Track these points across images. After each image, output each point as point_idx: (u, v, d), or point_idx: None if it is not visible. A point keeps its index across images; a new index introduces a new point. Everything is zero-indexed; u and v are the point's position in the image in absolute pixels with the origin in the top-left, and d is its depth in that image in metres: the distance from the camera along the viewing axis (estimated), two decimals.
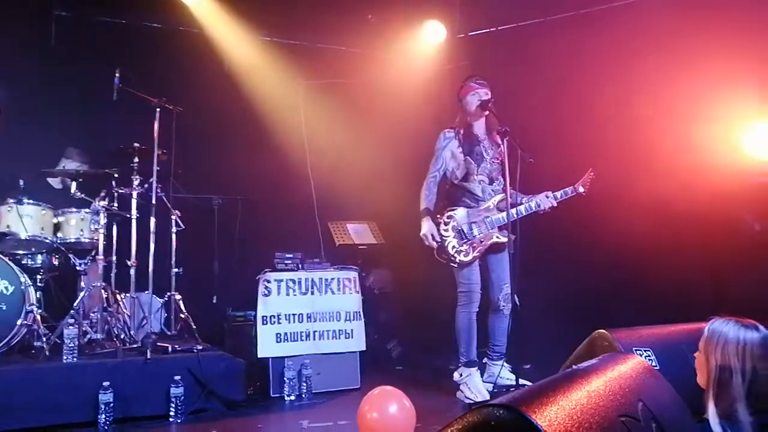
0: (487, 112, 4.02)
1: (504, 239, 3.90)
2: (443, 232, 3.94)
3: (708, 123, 4.45)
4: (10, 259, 3.83)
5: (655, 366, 2.65)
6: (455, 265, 3.96)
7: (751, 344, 1.85)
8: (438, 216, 4.02)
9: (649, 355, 2.73)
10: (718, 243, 4.50)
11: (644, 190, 4.62)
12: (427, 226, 3.94)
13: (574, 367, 1.65)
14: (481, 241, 3.94)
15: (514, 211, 3.90)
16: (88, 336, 4.02)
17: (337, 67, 5.94)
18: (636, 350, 2.71)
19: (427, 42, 6.07)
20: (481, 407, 1.15)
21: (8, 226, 4.00)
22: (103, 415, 3.39)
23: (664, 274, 4.50)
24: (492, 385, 4.00)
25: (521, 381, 3.62)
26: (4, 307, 3.69)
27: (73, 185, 4.21)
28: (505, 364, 4.12)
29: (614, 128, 4.87)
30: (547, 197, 3.99)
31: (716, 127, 4.43)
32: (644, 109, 4.78)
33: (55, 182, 4.63)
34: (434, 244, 3.92)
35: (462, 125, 4.10)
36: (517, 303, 3.82)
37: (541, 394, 1.24)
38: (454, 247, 3.93)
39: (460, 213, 3.99)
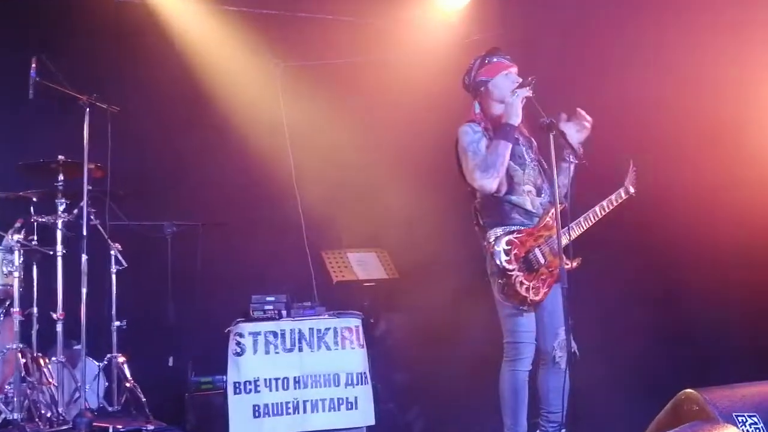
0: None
1: (568, 265, 3.91)
2: (506, 265, 3.89)
3: None
4: None
5: None
6: (525, 308, 3.94)
7: None
8: (490, 242, 3.98)
9: (755, 422, 2.74)
10: None
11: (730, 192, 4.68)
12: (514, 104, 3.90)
13: None
14: (551, 271, 3.93)
15: (573, 226, 3.96)
16: (2, 416, 4.07)
17: (326, 44, 6.00)
18: (737, 416, 2.72)
19: (444, 6, 6.14)
20: None
21: None
22: None
23: None
24: None
25: None
26: None
27: None
28: None
29: (675, 115, 4.96)
30: (602, 208, 4.04)
31: None
32: (707, 89, 4.87)
33: None
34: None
35: (487, 118, 4.11)
36: (576, 352, 3.81)
37: None
38: (522, 283, 3.88)
39: (519, 236, 3.98)
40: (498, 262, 3.86)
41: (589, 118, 4.05)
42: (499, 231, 3.95)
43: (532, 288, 3.88)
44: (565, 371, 3.82)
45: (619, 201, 4.13)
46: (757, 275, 4.86)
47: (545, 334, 4.05)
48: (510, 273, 3.85)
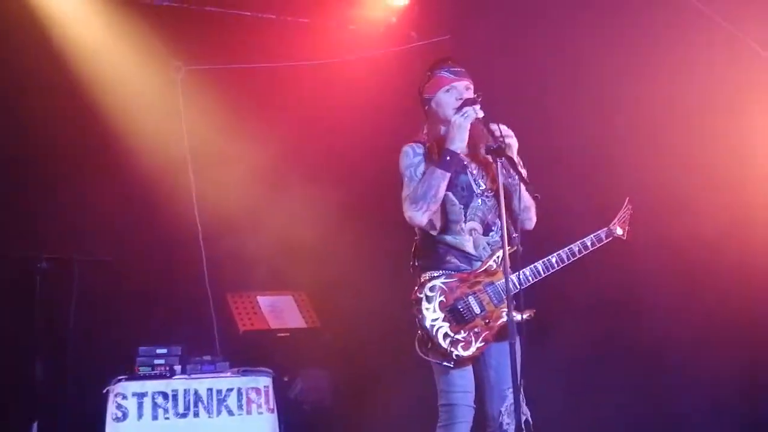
0: None
1: (520, 316, 3.94)
2: (426, 313, 3.91)
3: None
4: None
5: None
6: (450, 365, 3.95)
7: None
8: (415, 289, 4.01)
9: None
10: None
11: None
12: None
13: None
14: (487, 323, 3.95)
15: (526, 272, 3.98)
16: None
17: (238, 45, 6.00)
18: None
19: (384, 5, 6.20)
20: None
21: None
22: None
23: None
24: None
25: None
26: None
27: None
28: None
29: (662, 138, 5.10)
30: (570, 252, 4.07)
31: None
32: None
33: None
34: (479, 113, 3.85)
35: (433, 140, 4.14)
36: (529, 419, 3.84)
37: None
38: (447, 336, 3.88)
39: (448, 281, 3.99)
40: (418, 311, 3.90)
41: (509, 132, 4.02)
42: (434, 274, 3.99)
43: (462, 341, 3.89)
44: None
45: (598, 245, 4.14)
46: (739, 331, 5.03)
47: (491, 396, 4.06)
48: (432, 324, 3.88)
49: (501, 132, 3.89)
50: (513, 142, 3.94)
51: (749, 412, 5.15)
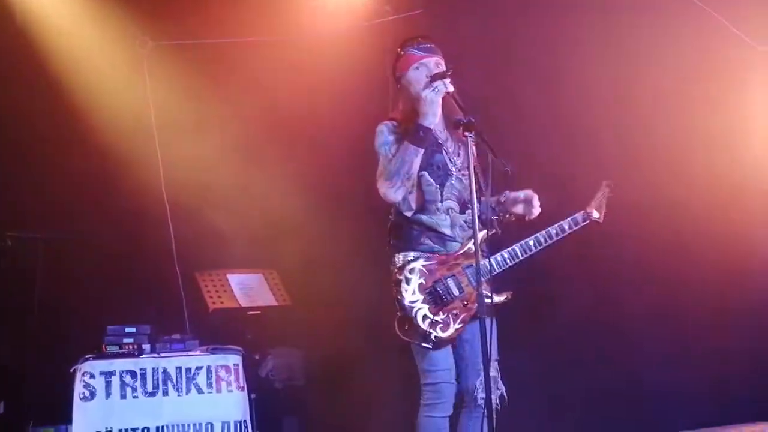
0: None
1: (497, 298, 3.98)
2: (405, 295, 3.93)
3: None
4: None
5: None
6: (429, 346, 3.96)
7: None
8: (394, 270, 4.03)
9: None
10: None
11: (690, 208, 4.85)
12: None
13: None
14: (465, 304, 3.97)
15: (504, 254, 4.03)
16: None
17: (206, 19, 5.91)
18: None
19: None
20: None
21: None
22: None
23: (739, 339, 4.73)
24: None
25: None
26: None
27: None
28: None
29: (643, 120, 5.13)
30: (550, 235, 4.11)
31: None
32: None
33: None
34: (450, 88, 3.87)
35: (406, 119, 4.14)
36: (503, 393, 3.92)
37: None
38: (426, 317, 3.91)
39: (428, 264, 4.01)
40: (398, 293, 3.92)
41: (538, 210, 4.13)
42: (410, 255, 4.01)
43: (440, 323, 3.92)
44: (484, 415, 3.87)
45: (575, 227, 4.20)
46: (714, 317, 5.10)
47: (467, 370, 4.10)
48: (411, 305, 3.90)
49: (527, 197, 4.08)
50: (535, 211, 4.08)
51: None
